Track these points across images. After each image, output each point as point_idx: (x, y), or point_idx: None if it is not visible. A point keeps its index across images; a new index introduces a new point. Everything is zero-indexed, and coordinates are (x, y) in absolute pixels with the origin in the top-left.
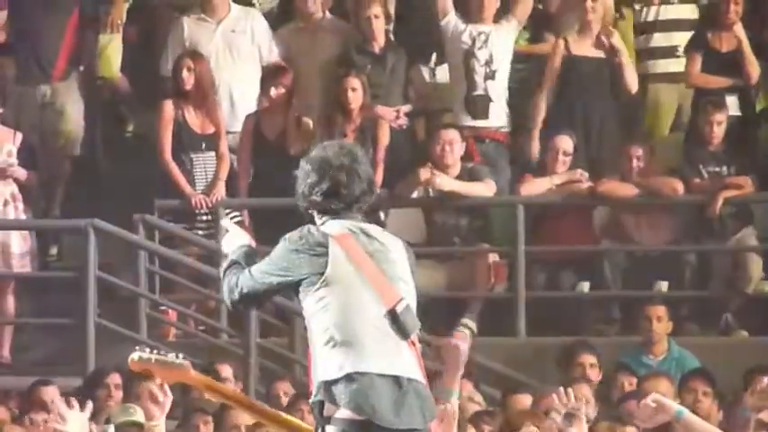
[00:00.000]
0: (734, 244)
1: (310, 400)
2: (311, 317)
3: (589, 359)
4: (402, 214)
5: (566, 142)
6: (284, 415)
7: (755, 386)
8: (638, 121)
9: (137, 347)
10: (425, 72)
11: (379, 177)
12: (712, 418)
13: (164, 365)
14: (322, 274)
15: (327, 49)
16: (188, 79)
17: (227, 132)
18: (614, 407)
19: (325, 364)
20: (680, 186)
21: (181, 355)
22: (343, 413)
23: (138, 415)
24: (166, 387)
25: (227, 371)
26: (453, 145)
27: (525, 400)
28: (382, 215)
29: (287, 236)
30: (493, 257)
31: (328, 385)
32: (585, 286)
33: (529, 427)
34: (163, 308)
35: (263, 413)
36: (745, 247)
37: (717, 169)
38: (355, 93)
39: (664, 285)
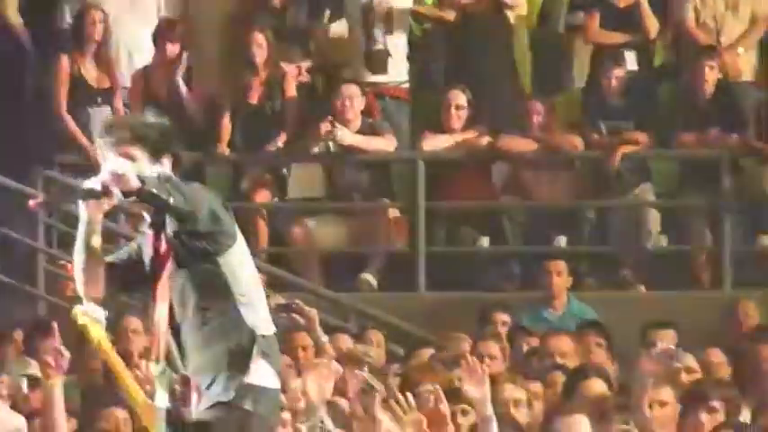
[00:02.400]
0: (632, 199)
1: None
2: (229, 273)
3: (502, 317)
4: (303, 169)
5: (459, 97)
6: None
7: (651, 351)
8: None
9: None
10: (322, 27)
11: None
12: (607, 370)
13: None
14: (231, 244)
15: (228, 3)
16: (91, 33)
17: (124, 87)
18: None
19: (252, 316)
20: (579, 142)
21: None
22: (272, 378)
23: (34, 368)
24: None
25: (135, 323)
26: (353, 100)
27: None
28: (284, 170)
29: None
30: (393, 213)
31: (265, 339)
32: (485, 241)
33: (426, 385)
34: (62, 262)
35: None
36: (644, 202)
37: (616, 124)
38: (260, 48)
39: (563, 240)
